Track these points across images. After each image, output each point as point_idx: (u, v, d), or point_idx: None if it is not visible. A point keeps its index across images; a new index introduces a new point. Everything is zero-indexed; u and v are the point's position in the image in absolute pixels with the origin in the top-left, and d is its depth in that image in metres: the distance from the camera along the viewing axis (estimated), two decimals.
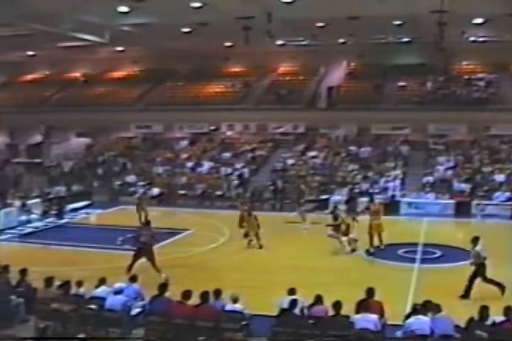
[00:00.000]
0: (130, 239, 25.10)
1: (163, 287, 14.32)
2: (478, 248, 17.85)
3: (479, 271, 17.70)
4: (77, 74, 55.09)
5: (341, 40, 43.40)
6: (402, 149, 41.02)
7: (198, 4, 31.66)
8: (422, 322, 12.28)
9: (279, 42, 43.51)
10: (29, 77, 56.61)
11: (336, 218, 24.48)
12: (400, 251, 23.47)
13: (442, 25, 33.52)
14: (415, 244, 24.56)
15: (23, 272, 16.10)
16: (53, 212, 32.96)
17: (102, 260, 22.84)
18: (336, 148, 42.46)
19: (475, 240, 17.99)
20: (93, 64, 53.55)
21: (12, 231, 29.20)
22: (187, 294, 13.69)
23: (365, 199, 31.72)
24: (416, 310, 12.87)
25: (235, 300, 13.99)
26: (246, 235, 25.40)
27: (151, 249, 20.68)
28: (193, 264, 22.22)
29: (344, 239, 23.72)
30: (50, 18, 33.89)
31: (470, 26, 37.67)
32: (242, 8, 32.35)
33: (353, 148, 41.77)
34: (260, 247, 24.55)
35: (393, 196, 35.47)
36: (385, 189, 36.33)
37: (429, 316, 12.53)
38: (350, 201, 31.33)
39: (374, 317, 12.54)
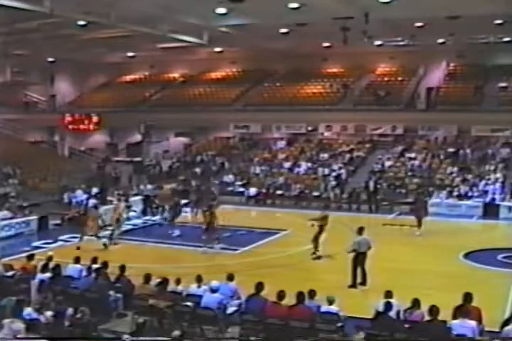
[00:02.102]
0: (226, 238, 25.47)
1: (260, 286, 14.44)
2: (363, 236, 19.50)
3: (359, 258, 19.21)
4: (176, 75, 56.00)
5: (440, 40, 42.62)
6: (502, 152, 40.04)
7: (295, 5, 31.64)
8: None
9: (378, 42, 43.09)
10: (129, 77, 57.92)
11: None
12: (500, 256, 23.01)
13: None
14: None
15: (123, 268, 16.52)
16: (153, 210, 33.70)
17: (199, 258, 23.20)
18: (435, 149, 41.81)
19: (360, 230, 19.80)
20: (192, 64, 54.33)
21: (111, 228, 29.89)
22: (281, 295, 13.77)
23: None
24: None
25: (330, 302, 14.02)
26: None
27: None
28: (288, 264, 22.32)
29: None
30: (149, 19, 34.49)
31: None
32: (340, 9, 32.23)
33: (452, 150, 41.12)
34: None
35: (493, 199, 34.78)
36: (485, 192, 35.63)
37: None
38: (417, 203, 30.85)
39: (473, 323, 12.28)
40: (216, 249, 24.50)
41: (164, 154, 49.40)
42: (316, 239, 23.44)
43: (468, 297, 13.37)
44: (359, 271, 19.40)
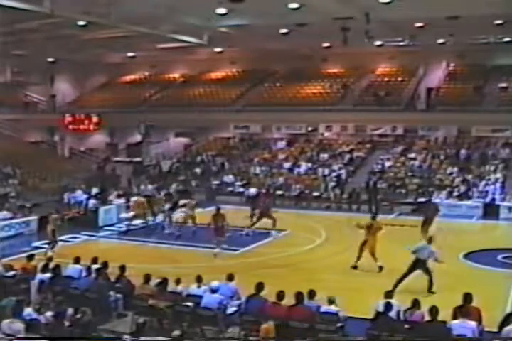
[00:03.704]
0: (226, 238, 25.42)
1: (260, 286, 14.43)
2: (428, 245, 19.14)
3: (416, 264, 18.71)
4: (176, 75, 56.00)
5: (440, 41, 42.59)
6: (502, 152, 40.02)
7: (295, 5, 31.63)
8: None
9: (378, 42, 43.00)
10: (129, 77, 57.91)
11: None
12: (500, 257, 22.99)
13: None
14: None
15: (123, 268, 16.52)
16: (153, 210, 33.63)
17: (199, 258, 23.19)
18: (435, 150, 41.78)
19: (430, 239, 19.56)
20: (192, 65, 54.33)
21: (111, 228, 29.97)
22: (281, 295, 13.78)
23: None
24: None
25: (331, 302, 14.00)
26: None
27: None
28: (288, 265, 22.29)
29: None
30: (149, 19, 34.47)
31: None
32: (340, 9, 32.22)
33: (452, 150, 41.09)
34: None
35: (493, 200, 34.77)
36: (485, 192, 35.60)
37: None
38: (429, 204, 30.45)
39: (473, 323, 12.27)
40: None
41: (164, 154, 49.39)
42: (361, 249, 21.80)
43: (468, 297, 13.36)
44: (413, 275, 18.81)
